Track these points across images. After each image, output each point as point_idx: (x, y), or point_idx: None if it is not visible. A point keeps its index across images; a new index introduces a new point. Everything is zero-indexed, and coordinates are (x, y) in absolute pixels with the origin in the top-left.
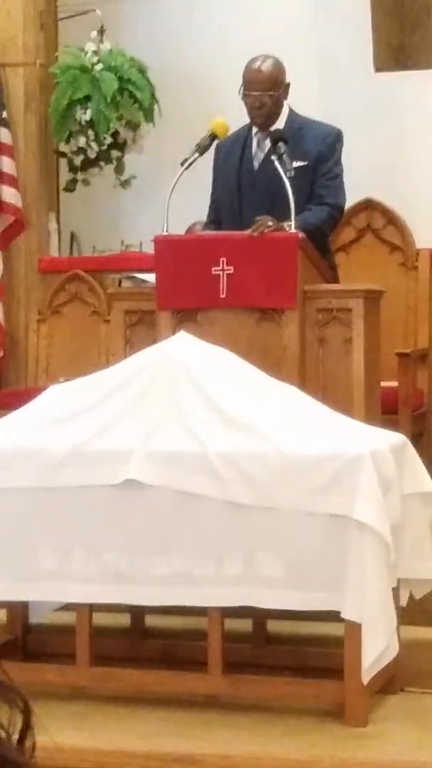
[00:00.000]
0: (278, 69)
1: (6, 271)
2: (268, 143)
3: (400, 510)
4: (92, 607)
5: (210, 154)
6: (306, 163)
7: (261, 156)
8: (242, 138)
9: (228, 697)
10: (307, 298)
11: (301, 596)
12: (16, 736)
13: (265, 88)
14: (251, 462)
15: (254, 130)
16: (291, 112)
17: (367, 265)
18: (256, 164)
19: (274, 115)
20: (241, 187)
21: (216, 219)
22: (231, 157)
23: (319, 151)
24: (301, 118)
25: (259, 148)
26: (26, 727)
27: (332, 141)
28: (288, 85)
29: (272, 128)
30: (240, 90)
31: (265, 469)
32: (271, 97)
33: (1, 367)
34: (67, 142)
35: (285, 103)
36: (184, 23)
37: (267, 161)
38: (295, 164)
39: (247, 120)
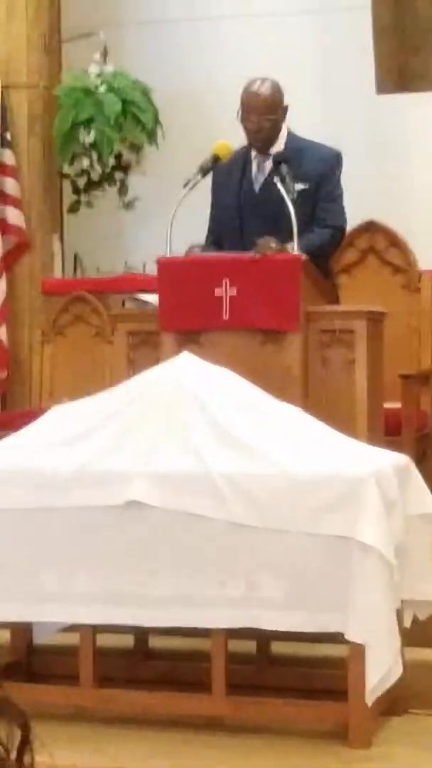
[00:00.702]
0: (276, 92)
1: (10, 293)
2: (268, 165)
3: (404, 531)
4: (95, 629)
5: None
6: (307, 185)
7: (261, 179)
8: (241, 160)
9: (231, 718)
10: (309, 319)
11: (304, 617)
12: (14, 753)
13: (264, 112)
14: (254, 483)
15: (253, 152)
16: (290, 134)
17: (369, 287)
18: (256, 187)
19: (273, 138)
20: (242, 210)
21: (216, 241)
22: (230, 180)
23: (320, 174)
24: (301, 140)
25: (260, 170)
26: (25, 743)
27: (332, 163)
28: (286, 107)
29: (272, 150)
30: (238, 113)
31: (268, 490)
32: (269, 120)
33: (5, 388)
34: (71, 163)
35: (284, 125)
36: (188, 46)
37: (268, 184)
38: (297, 187)
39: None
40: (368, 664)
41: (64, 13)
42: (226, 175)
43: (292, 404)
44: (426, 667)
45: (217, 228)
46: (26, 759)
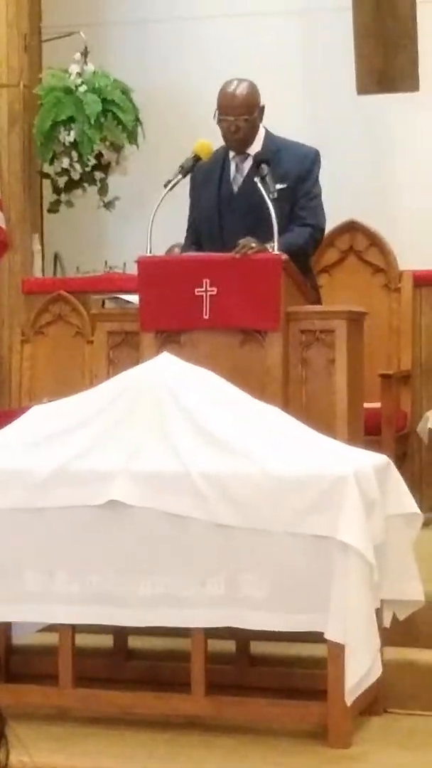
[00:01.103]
0: (252, 92)
1: None
2: (246, 166)
3: (384, 531)
4: (75, 628)
5: None
6: (286, 185)
7: (240, 180)
8: (219, 161)
9: (211, 718)
10: (290, 319)
11: (284, 617)
12: None
13: (240, 113)
14: (235, 483)
15: (231, 153)
16: (267, 133)
17: (350, 287)
18: (235, 188)
19: (250, 138)
20: (221, 211)
21: (196, 242)
22: (209, 181)
23: (298, 173)
24: (278, 140)
25: (238, 171)
26: (0, 737)
27: (310, 162)
28: (263, 107)
29: (250, 151)
30: (215, 115)
31: (248, 490)
32: (246, 121)
33: None
34: (51, 163)
35: (261, 125)
36: (168, 45)
37: (246, 184)
38: (276, 187)
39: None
40: (348, 664)
41: (44, 12)
42: (205, 176)
43: (272, 404)
44: (405, 666)
45: (197, 229)
46: (1, 752)
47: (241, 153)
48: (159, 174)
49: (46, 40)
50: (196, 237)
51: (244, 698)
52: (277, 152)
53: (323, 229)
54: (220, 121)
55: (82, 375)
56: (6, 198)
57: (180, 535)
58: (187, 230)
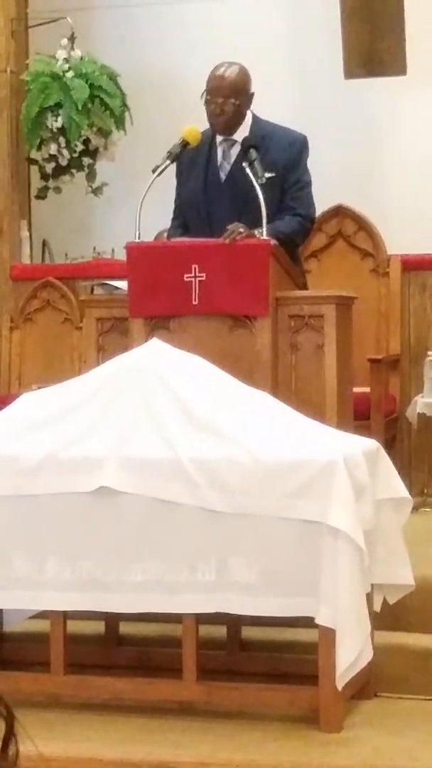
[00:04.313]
0: (242, 77)
1: None
2: (234, 153)
3: (374, 515)
4: (66, 615)
5: None
6: (274, 174)
7: (227, 167)
8: (205, 146)
9: (203, 704)
10: (279, 304)
11: (275, 602)
12: None
13: (227, 96)
14: (225, 468)
15: (219, 138)
16: (255, 119)
17: (338, 272)
18: (222, 175)
19: (235, 123)
20: (209, 197)
21: (182, 223)
22: (195, 166)
23: (286, 161)
24: (266, 126)
25: (225, 158)
26: (9, 734)
27: (298, 149)
28: (252, 94)
29: (237, 137)
30: (202, 95)
31: (238, 476)
32: (233, 105)
33: None
34: (39, 149)
35: (249, 111)
36: (156, 31)
37: (234, 171)
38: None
39: None
40: (338, 648)
41: None
42: (191, 159)
43: (261, 389)
44: (395, 650)
45: (183, 213)
46: (10, 750)
47: (225, 136)
48: (147, 159)
49: (32, 26)
50: (183, 219)
51: (235, 683)
52: (263, 139)
53: (313, 219)
54: (206, 102)
55: (72, 361)
56: None
57: (170, 521)
58: (174, 211)
